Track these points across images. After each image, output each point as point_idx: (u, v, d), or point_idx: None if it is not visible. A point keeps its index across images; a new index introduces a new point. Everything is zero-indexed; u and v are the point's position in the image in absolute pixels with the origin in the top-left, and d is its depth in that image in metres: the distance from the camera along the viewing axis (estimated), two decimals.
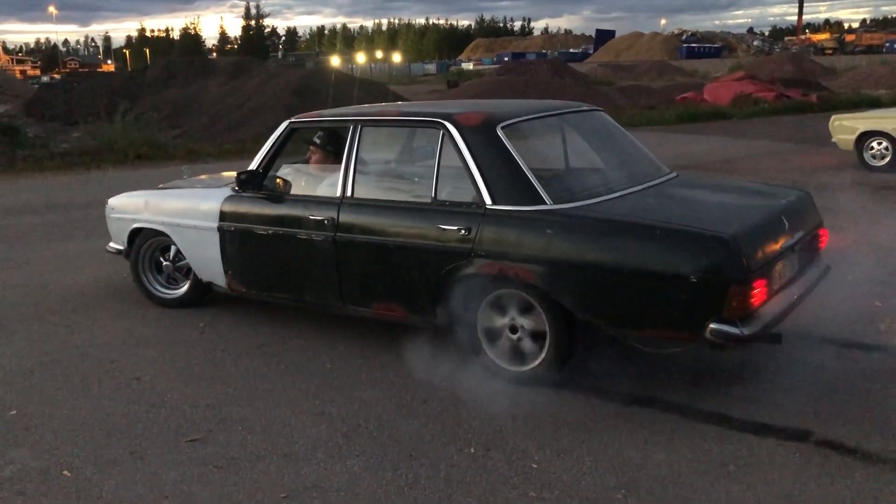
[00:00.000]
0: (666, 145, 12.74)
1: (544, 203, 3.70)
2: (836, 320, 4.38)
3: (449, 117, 4.01)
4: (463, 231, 3.79)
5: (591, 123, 4.72)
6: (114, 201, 5.48)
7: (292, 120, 4.68)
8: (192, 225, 4.86)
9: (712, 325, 3.29)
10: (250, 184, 4.56)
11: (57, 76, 55.59)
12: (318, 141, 4.96)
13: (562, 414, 3.52)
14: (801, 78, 27.15)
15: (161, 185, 5.70)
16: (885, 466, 3.00)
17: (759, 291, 3.37)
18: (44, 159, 13.16)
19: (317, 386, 3.92)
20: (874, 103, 19.20)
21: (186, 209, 4.94)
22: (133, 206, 5.30)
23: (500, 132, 3.89)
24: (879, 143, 10.11)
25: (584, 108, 4.78)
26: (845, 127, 10.46)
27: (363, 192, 4.23)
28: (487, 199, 3.78)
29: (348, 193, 4.23)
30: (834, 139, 10.66)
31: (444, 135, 3.98)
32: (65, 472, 3.17)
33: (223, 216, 4.67)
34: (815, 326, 4.29)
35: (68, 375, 4.17)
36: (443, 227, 3.86)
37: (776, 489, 2.88)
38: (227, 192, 4.75)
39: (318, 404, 3.72)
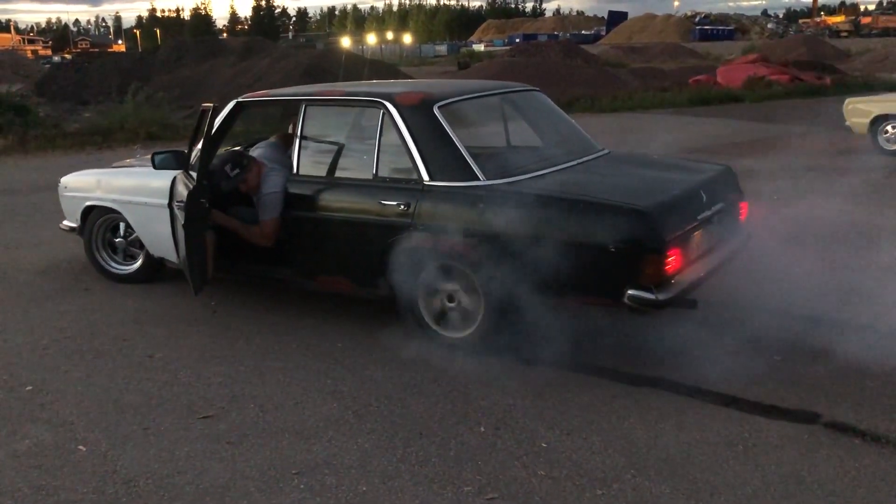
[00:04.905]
0: (678, 128, 12.67)
1: (478, 179, 3.88)
2: (849, 304, 4.36)
3: (388, 97, 4.16)
4: (402, 206, 3.95)
5: (529, 103, 4.96)
6: (66, 180, 5.54)
7: (240, 99, 4.73)
8: (143, 202, 4.92)
9: (629, 292, 3.50)
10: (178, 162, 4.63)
11: (68, 56, 55.61)
12: None
13: (571, 394, 3.54)
14: (815, 61, 26.76)
15: (114, 164, 5.77)
16: (894, 449, 3.00)
17: (673, 260, 3.58)
18: (55, 138, 13.17)
19: (328, 365, 3.95)
20: (889, 87, 18.98)
21: (137, 187, 5.01)
22: (85, 185, 5.37)
23: (436, 111, 4.06)
24: (894, 127, 10.01)
25: (522, 88, 5.00)
26: (859, 110, 10.36)
27: (308, 170, 4.38)
28: (425, 176, 3.95)
29: (294, 170, 4.35)
30: (847, 122, 10.56)
31: (384, 114, 4.12)
32: (80, 447, 3.22)
33: (173, 194, 4.68)
34: (827, 310, 4.28)
35: (82, 352, 4.21)
36: (383, 202, 4.03)
37: (785, 470, 2.89)
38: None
39: (330, 383, 3.75)
